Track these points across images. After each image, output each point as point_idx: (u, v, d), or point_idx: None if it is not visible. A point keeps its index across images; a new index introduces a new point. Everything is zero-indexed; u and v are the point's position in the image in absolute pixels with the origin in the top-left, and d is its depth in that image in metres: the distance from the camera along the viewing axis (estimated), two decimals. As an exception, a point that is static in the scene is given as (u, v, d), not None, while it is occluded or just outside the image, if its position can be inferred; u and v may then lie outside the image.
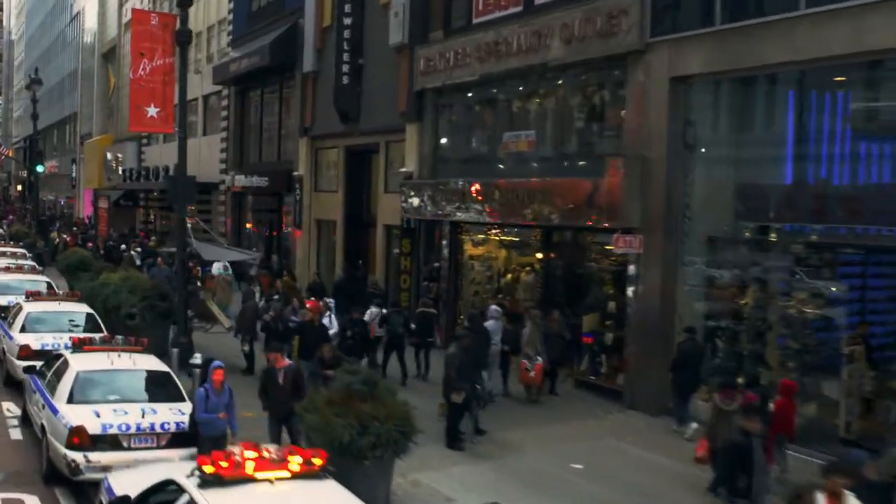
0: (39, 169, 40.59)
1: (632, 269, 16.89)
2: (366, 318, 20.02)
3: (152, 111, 18.58)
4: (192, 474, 7.66)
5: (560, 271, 20.63)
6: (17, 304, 18.44)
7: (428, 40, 23.12)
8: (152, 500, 8.12)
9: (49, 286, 23.28)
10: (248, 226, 36.53)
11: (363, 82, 26.21)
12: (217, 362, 11.20)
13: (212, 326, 19.49)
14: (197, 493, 7.45)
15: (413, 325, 19.40)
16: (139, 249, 36.27)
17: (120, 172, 51.66)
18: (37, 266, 28.47)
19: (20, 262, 29.06)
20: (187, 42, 18.99)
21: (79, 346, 13.18)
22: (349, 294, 23.97)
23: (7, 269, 24.30)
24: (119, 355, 12.85)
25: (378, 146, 26.01)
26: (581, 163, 18.70)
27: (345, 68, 26.23)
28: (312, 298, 18.76)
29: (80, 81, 71.91)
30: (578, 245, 19.95)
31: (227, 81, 35.74)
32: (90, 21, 67.51)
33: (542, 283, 20.87)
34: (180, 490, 7.67)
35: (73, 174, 70.04)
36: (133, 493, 8.30)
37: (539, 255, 21.03)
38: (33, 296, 18.69)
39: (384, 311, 20.14)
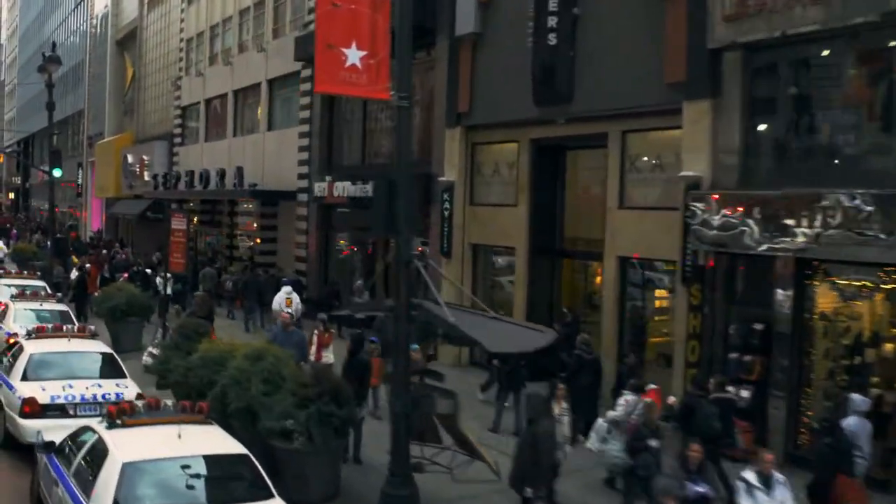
0: (58, 173, 31.47)
1: None
2: (617, 412, 11.83)
3: (353, 56, 9.61)
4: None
5: None
6: (93, 432, 9.34)
7: (726, -33, 14.34)
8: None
9: (111, 364, 14.18)
10: (344, 245, 27.53)
11: (577, 43, 17.35)
12: None
13: (467, 463, 10.37)
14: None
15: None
16: (168, 275, 27.29)
17: (147, 178, 42.49)
18: (79, 322, 19.50)
19: (47, 305, 19.99)
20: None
21: None
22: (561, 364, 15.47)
23: (41, 332, 15.05)
24: None
25: (605, 137, 17.13)
26: None
27: (550, 22, 17.34)
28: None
29: (87, 75, 62.78)
30: None
31: (315, 57, 26.70)
32: (100, 5, 58.39)
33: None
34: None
35: (79, 181, 60.69)
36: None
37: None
38: (122, 415, 9.49)
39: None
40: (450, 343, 14.77)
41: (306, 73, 28.20)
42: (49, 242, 40.52)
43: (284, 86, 30.82)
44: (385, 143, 25.06)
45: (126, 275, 28.23)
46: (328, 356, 16.48)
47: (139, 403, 10.29)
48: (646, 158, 16.51)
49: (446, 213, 20.91)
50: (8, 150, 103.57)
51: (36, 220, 78.14)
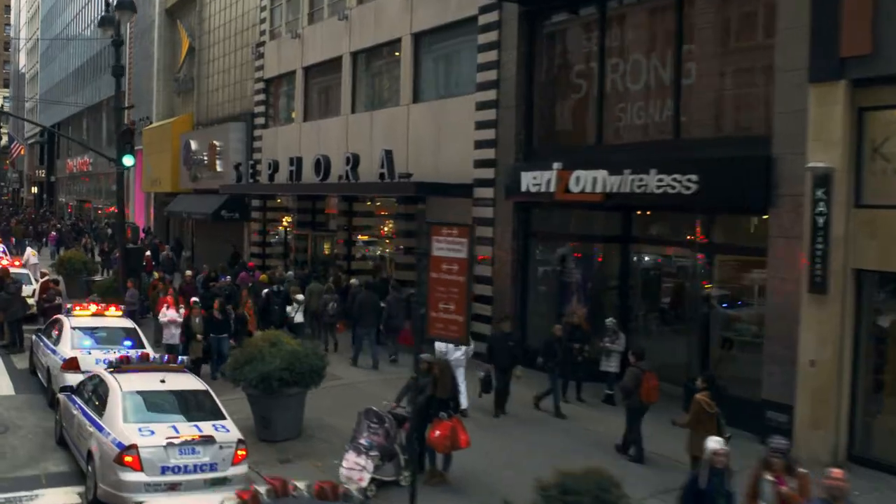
0: (128, 162, 23.32)
1: None
2: None
3: None
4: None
5: None
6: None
7: None
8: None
9: None
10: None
11: None
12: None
13: None
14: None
15: None
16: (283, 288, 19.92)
17: (220, 168, 34.33)
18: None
19: (173, 381, 11.88)
20: None
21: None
22: None
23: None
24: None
25: None
26: None
27: None
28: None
29: (127, 52, 54.48)
30: None
31: (511, -7, 18.52)
32: (144, -30, 50.24)
33: None
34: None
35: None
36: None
37: None
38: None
39: None
40: None
41: (489, 17, 19.93)
42: (112, 251, 32.70)
43: (441, 41, 22.55)
44: (639, 112, 16.76)
45: (216, 309, 19.88)
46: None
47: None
48: None
49: (820, 220, 12.63)
50: (30, 142, 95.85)
51: (59, 216, 69.99)
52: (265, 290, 20.89)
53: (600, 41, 17.53)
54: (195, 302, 17.29)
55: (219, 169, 34.43)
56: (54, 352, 15.68)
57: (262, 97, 32.76)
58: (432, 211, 22.54)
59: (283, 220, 31.96)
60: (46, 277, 23.43)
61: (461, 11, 20.93)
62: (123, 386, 11.15)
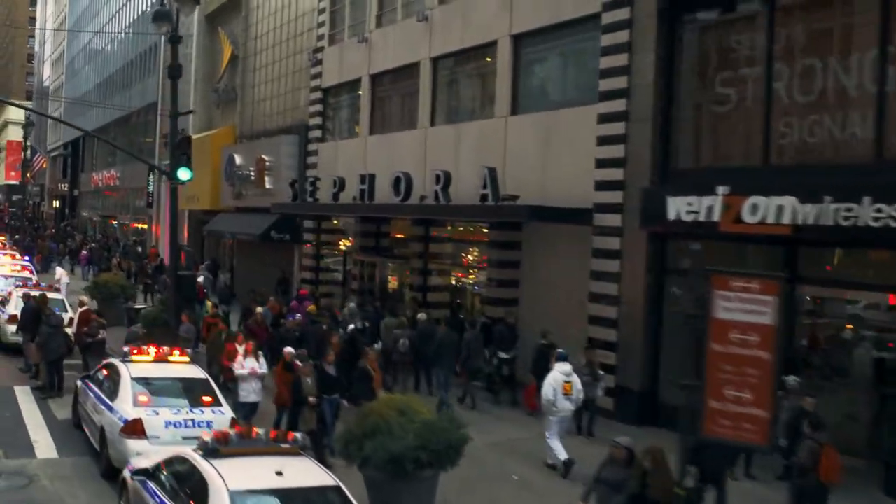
0: (185, 175, 20.52)
1: None
2: None
3: None
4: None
5: None
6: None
7: None
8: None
9: None
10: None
11: None
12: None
13: None
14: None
15: None
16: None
17: (269, 185, 31.47)
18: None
19: (287, 470, 8.90)
20: None
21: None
22: None
23: None
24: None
25: None
26: None
27: None
28: None
29: (161, 62, 52.05)
30: None
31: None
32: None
33: None
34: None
35: (150, 188, 49.76)
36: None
37: None
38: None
39: None
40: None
41: (617, 15, 17.01)
42: (156, 273, 29.79)
43: (549, 42, 19.64)
44: (813, 126, 13.75)
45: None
46: None
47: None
48: None
49: None
50: (53, 155, 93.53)
51: (82, 231, 67.23)
52: (350, 327, 17.91)
53: (767, 41, 14.54)
54: (300, 355, 13.83)
55: (268, 186, 31.58)
56: (110, 408, 12.71)
57: (318, 108, 29.92)
58: (533, 239, 19.57)
59: (340, 243, 29.05)
60: (87, 306, 20.50)
61: (579, 9, 18.05)
62: (230, 482, 8.15)
